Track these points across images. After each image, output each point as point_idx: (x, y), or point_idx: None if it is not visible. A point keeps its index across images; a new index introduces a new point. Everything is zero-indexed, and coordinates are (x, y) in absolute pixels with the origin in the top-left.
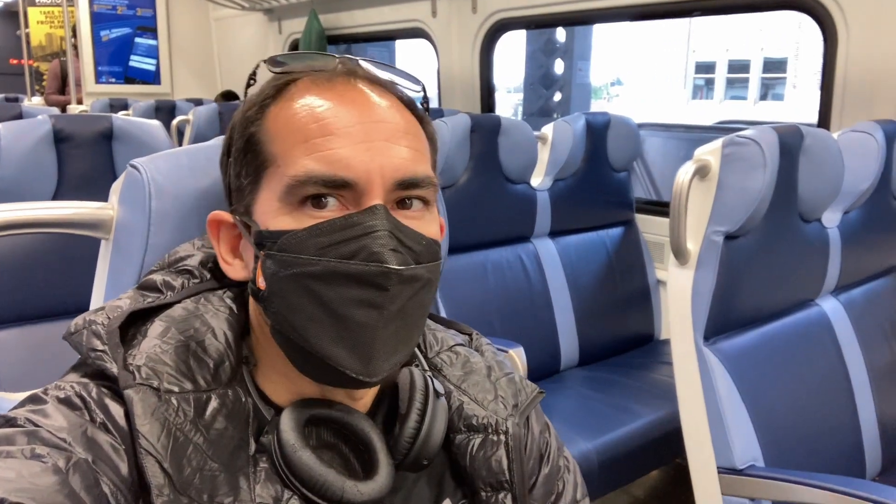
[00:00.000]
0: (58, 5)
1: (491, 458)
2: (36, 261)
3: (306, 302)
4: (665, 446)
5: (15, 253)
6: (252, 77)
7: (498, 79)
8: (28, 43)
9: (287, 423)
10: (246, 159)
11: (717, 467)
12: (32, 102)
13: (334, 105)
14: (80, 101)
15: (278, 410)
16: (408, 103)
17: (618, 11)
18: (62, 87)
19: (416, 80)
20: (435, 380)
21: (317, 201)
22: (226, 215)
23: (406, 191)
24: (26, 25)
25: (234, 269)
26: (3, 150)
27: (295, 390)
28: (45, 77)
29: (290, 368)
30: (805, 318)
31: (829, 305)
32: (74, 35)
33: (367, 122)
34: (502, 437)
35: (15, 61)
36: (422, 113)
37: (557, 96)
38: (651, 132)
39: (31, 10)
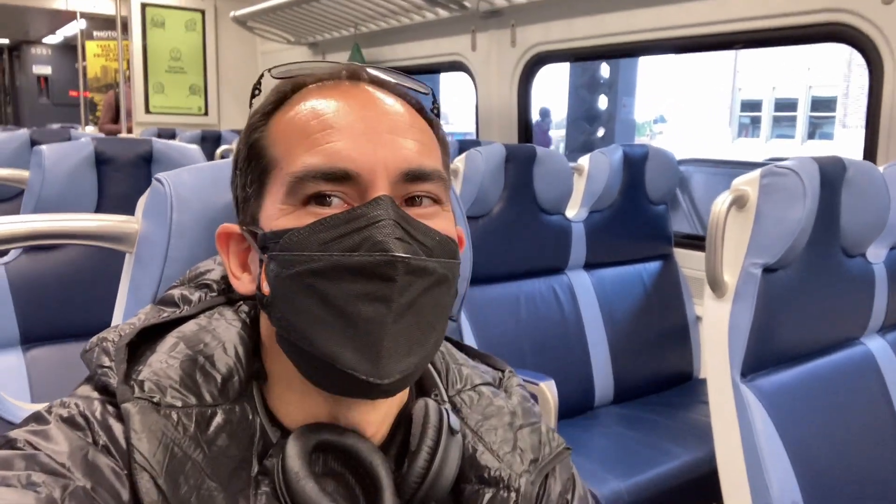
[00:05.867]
0: (113, 39)
1: None
2: (74, 279)
3: (310, 302)
4: (701, 489)
5: (54, 271)
6: (257, 87)
7: (536, 113)
8: (84, 75)
9: (293, 448)
10: (250, 168)
11: None
12: (86, 132)
13: (336, 102)
14: (130, 130)
15: (285, 432)
16: (415, 106)
17: (657, 44)
18: (116, 117)
19: (423, 85)
20: (451, 414)
21: (320, 199)
22: (234, 227)
23: (413, 184)
24: (83, 58)
25: (243, 283)
26: (47, 170)
27: (306, 410)
28: (99, 107)
29: (302, 385)
30: (849, 357)
31: (876, 345)
32: (128, 67)
33: (369, 115)
34: (513, 496)
35: (75, 93)
36: (431, 117)
37: (601, 132)
38: (698, 168)
39: (88, 43)
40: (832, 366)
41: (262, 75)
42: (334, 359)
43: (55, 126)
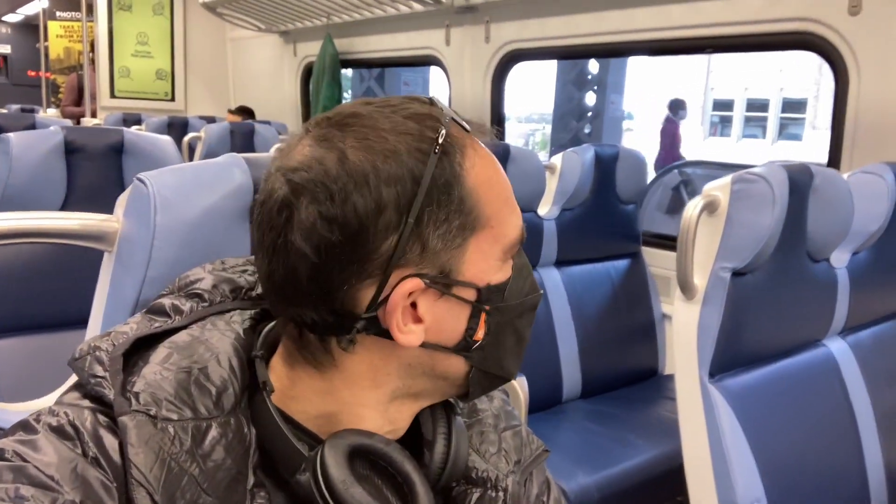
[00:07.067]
0: (77, 20)
1: None
2: (38, 271)
3: (511, 338)
4: (667, 483)
5: (17, 262)
6: (438, 144)
7: (509, 108)
8: (46, 56)
9: (332, 457)
10: (453, 220)
11: None
12: (47, 114)
13: (497, 164)
14: (94, 114)
15: (311, 439)
16: None
17: (629, 46)
18: (78, 100)
19: None
20: (449, 399)
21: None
22: (418, 283)
23: None
24: (45, 39)
25: (416, 336)
26: (14, 159)
27: (366, 422)
28: (61, 89)
29: (383, 401)
30: (812, 359)
31: (837, 346)
32: (92, 49)
33: None
34: (501, 495)
35: (33, 73)
36: None
37: (588, 129)
38: (705, 169)
39: (51, 23)
40: (796, 367)
41: (441, 127)
42: (509, 374)
43: (15, 107)
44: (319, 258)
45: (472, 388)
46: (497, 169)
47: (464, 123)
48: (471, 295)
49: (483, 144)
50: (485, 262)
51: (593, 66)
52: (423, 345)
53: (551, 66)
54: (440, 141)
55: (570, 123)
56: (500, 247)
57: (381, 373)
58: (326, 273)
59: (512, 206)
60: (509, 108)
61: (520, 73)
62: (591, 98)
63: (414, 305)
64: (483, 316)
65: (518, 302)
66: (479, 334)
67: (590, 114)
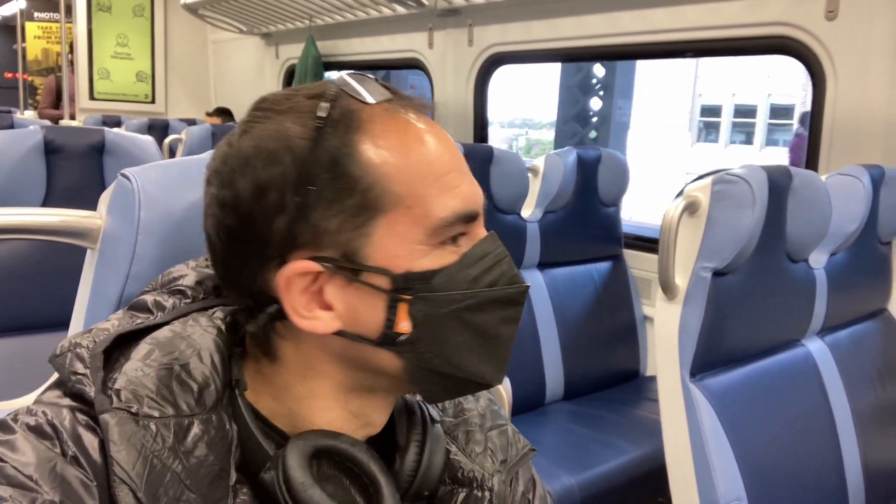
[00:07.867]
0: (55, 21)
1: None
2: (21, 272)
3: (461, 333)
4: (649, 484)
5: (1, 263)
6: (324, 115)
7: (492, 114)
8: (24, 57)
9: (294, 458)
10: (345, 200)
11: None
12: (25, 116)
13: (432, 139)
14: (73, 117)
15: (279, 437)
16: None
17: (610, 50)
18: (56, 102)
19: None
20: (427, 405)
21: (453, 237)
22: (311, 265)
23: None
24: (23, 40)
25: (323, 322)
26: None
27: (329, 421)
28: (39, 91)
29: (345, 399)
30: (791, 358)
31: (815, 346)
32: (71, 51)
33: (455, 151)
34: (486, 494)
35: (10, 75)
36: None
37: (593, 135)
38: None
39: (28, 24)
40: (775, 366)
41: (325, 98)
42: (477, 376)
43: None
44: (221, 242)
45: (422, 388)
46: (420, 143)
47: (366, 96)
48: (384, 282)
49: (417, 118)
50: (401, 247)
51: (599, 70)
52: (341, 334)
53: (536, 72)
54: (321, 115)
55: (574, 129)
56: (423, 229)
57: (316, 361)
58: (231, 257)
59: (444, 185)
60: (492, 114)
61: (503, 80)
62: (596, 103)
63: (322, 292)
64: (405, 306)
65: (461, 293)
66: (404, 326)
67: (595, 119)
